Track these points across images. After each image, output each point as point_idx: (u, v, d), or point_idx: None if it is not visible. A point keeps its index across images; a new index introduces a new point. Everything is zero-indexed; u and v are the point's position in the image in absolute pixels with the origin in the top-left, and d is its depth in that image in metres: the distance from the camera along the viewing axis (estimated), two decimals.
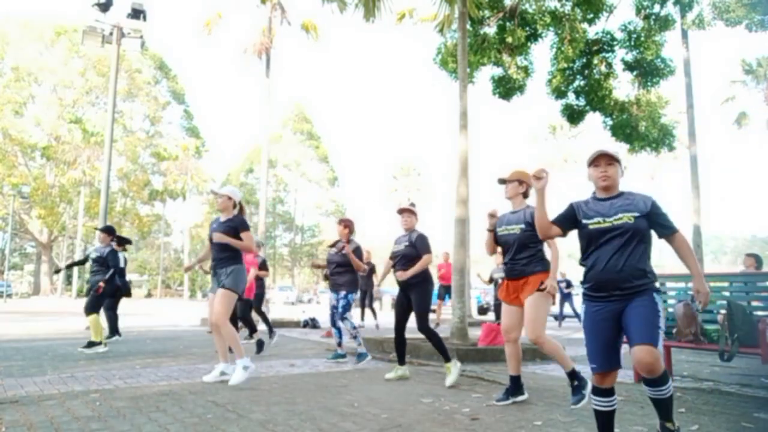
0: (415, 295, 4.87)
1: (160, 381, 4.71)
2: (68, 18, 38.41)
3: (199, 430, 3.06)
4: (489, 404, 3.90)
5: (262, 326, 8.75)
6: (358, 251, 6.20)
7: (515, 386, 3.96)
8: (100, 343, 6.78)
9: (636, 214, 2.60)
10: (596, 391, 2.61)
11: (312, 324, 12.34)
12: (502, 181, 4.02)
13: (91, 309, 6.83)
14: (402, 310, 5.00)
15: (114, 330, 7.92)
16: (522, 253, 3.85)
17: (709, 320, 4.59)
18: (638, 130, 12.92)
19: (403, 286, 4.92)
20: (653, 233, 2.66)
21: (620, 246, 2.55)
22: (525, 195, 4.00)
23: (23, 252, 50.52)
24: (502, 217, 4.04)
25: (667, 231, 2.64)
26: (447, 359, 4.78)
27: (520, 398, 3.95)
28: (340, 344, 6.36)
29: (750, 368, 6.00)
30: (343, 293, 6.16)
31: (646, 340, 2.42)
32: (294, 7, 17.20)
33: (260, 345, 7.07)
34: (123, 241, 7.79)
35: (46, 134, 38.06)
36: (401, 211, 5.11)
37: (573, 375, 3.76)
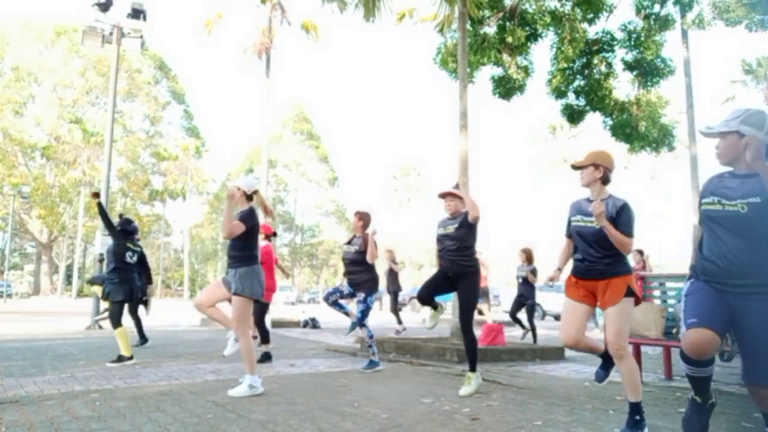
0: (464, 286, 4.46)
1: (160, 381, 4.71)
2: (68, 18, 38.50)
3: (199, 430, 3.06)
4: (489, 404, 3.90)
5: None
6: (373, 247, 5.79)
7: (608, 359, 3.39)
8: (131, 357, 5.88)
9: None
10: (690, 361, 2.37)
11: (312, 324, 12.35)
12: (577, 167, 3.44)
13: (118, 321, 5.99)
14: (434, 286, 4.59)
15: (142, 335, 7.71)
16: (603, 250, 3.20)
17: None
18: (638, 130, 12.91)
19: (453, 272, 4.48)
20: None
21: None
22: (604, 181, 3.33)
23: (23, 252, 50.56)
24: (576, 204, 3.42)
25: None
26: (473, 368, 4.40)
27: (614, 370, 3.40)
28: (348, 314, 5.90)
29: None
30: (362, 296, 5.62)
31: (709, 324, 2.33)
32: (294, 7, 17.20)
33: (266, 357, 6.32)
34: (126, 233, 6.49)
35: (46, 134, 38.08)
36: (443, 195, 4.72)
37: (637, 408, 3.12)
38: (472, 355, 4.44)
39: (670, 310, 4.80)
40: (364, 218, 5.84)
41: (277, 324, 12.15)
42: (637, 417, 3.09)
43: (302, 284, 55.10)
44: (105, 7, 11.79)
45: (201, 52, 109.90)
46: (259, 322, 6.99)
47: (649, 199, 45.33)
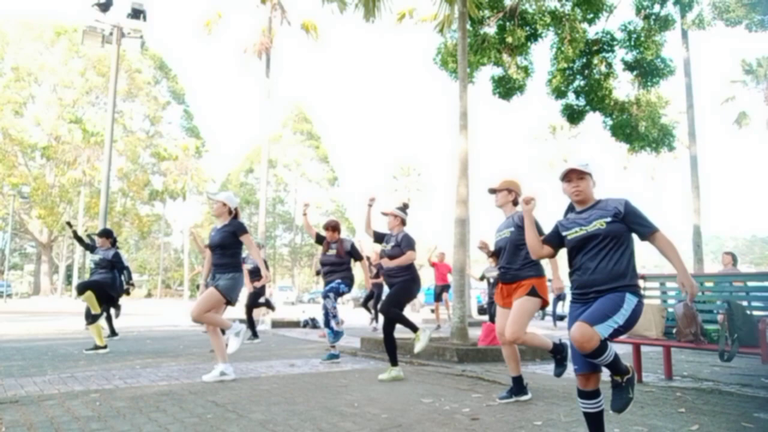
0: (396, 286, 5.05)
1: (160, 381, 4.71)
2: (68, 18, 38.48)
3: (199, 430, 3.06)
4: (489, 404, 3.90)
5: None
6: (353, 247, 6.33)
7: (518, 386, 4.02)
8: (105, 347, 6.84)
9: (608, 219, 2.73)
10: (581, 394, 2.66)
11: (312, 324, 12.35)
12: (492, 191, 4.15)
13: (92, 318, 6.90)
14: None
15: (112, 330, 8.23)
16: (515, 257, 3.93)
17: (709, 320, 4.60)
18: (638, 130, 12.92)
19: (389, 283, 5.11)
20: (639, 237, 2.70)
21: (597, 251, 2.66)
22: (515, 203, 4.11)
23: (23, 252, 50.54)
24: (498, 226, 4.18)
25: (646, 230, 2.68)
26: (394, 363, 5.00)
27: (523, 398, 4.00)
28: (333, 345, 6.34)
29: (750, 368, 6.01)
30: (337, 281, 6.16)
31: (583, 318, 2.49)
32: (294, 7, 17.24)
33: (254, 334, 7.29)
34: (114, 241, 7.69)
35: (46, 134, 38.02)
36: (385, 214, 5.36)
37: (555, 350, 4.02)
38: (389, 347, 5.01)
39: (670, 310, 4.80)
40: (335, 228, 6.38)
41: (277, 324, 12.15)
42: (558, 356, 4.02)
43: (302, 284, 55.07)
44: (105, 7, 11.80)
45: (201, 52, 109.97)
46: (248, 312, 8.41)
47: (649, 199, 45.35)
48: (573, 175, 2.79)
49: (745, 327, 4.07)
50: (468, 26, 9.23)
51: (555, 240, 2.89)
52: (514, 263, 3.92)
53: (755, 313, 4.27)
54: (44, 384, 4.45)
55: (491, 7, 11.80)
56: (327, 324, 6.23)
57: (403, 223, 5.34)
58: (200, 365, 5.77)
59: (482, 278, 10.46)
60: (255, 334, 8.82)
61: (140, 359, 6.20)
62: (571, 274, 2.79)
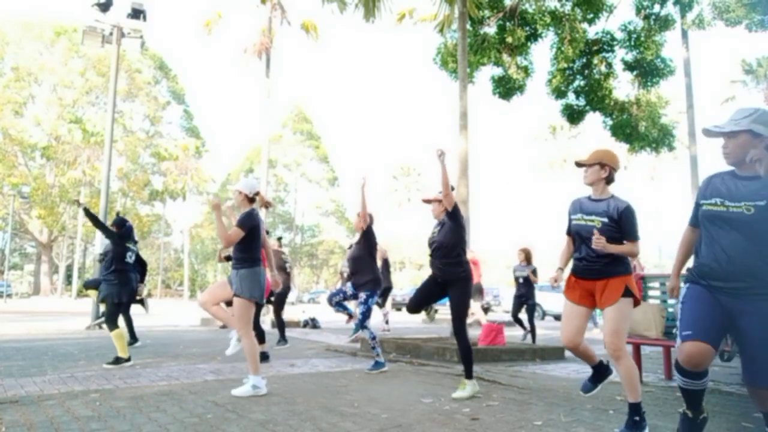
0: (454, 293, 4.32)
1: (160, 381, 4.71)
2: (68, 18, 38.44)
3: (199, 430, 3.06)
4: (489, 404, 3.90)
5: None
6: (371, 231, 5.61)
7: (599, 371, 3.44)
8: (128, 359, 5.74)
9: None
10: (684, 372, 2.39)
11: (312, 324, 12.34)
12: (580, 165, 3.39)
13: (115, 323, 5.87)
14: (423, 292, 4.51)
15: (133, 335, 7.74)
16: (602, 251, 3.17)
17: None
18: (638, 130, 12.91)
19: (443, 278, 4.38)
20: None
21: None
22: (609, 180, 3.30)
23: (23, 252, 50.52)
24: (577, 202, 3.37)
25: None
26: (469, 375, 4.26)
27: (610, 378, 3.48)
28: (351, 316, 5.90)
29: None
30: (363, 297, 5.48)
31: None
32: (294, 7, 17.25)
33: (264, 357, 6.07)
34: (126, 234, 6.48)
35: (46, 134, 38.03)
36: (427, 201, 4.67)
37: (637, 409, 3.11)
38: (466, 360, 4.29)
39: (670, 310, 4.80)
40: (365, 216, 5.71)
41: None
42: (637, 417, 3.07)
43: (302, 284, 55.07)
44: (105, 7, 11.79)
45: (201, 52, 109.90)
46: (255, 321, 6.94)
47: (649, 199, 45.35)
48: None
49: None
50: (468, 26, 9.23)
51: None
52: (604, 255, 3.15)
53: None
54: (44, 384, 4.45)
55: (491, 7, 11.80)
56: (330, 301, 5.71)
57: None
58: (200, 365, 5.77)
59: (517, 279, 9.73)
60: (284, 339, 8.07)
61: (140, 359, 6.19)
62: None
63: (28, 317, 15.49)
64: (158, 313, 18.96)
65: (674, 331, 4.62)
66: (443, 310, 16.68)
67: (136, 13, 12.11)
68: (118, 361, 5.64)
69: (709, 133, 2.39)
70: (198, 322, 13.47)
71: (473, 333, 7.62)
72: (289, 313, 17.68)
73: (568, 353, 6.91)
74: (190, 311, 20.65)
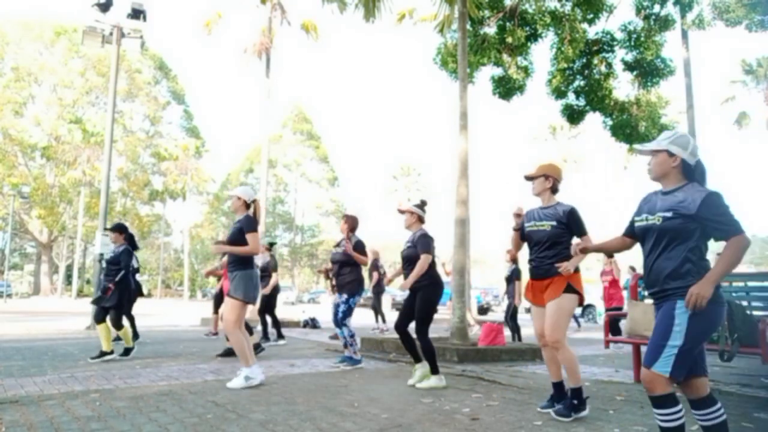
0: (418, 299, 4.67)
1: (160, 381, 4.71)
2: (68, 18, 38.45)
3: (199, 430, 3.06)
4: (489, 404, 3.90)
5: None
6: (359, 245, 5.89)
7: (558, 393, 3.68)
8: (133, 348, 6.54)
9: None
10: (692, 404, 2.41)
11: (312, 324, 12.34)
12: (529, 178, 3.79)
13: (118, 322, 6.38)
14: (406, 310, 4.81)
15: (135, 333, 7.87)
16: (549, 251, 3.63)
17: None
18: (638, 130, 12.90)
19: (412, 287, 4.73)
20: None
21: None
22: (553, 190, 3.76)
23: (23, 252, 50.51)
24: (530, 212, 3.83)
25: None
26: (434, 371, 4.64)
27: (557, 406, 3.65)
28: (346, 346, 6.09)
29: (750, 368, 6.00)
30: (345, 297, 5.82)
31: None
32: (294, 7, 17.22)
33: (228, 353, 6.48)
34: (133, 241, 6.97)
35: (46, 134, 38.03)
36: (401, 212, 5.04)
37: (577, 393, 3.49)
38: (428, 359, 4.66)
39: None
40: (349, 221, 6.04)
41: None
42: (576, 401, 3.48)
43: (302, 284, 55.07)
44: (105, 7, 11.78)
45: (201, 52, 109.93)
46: (262, 314, 8.22)
47: None
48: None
49: (745, 327, 4.07)
50: (468, 26, 9.23)
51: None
52: (548, 257, 3.61)
53: (755, 313, 4.27)
54: (44, 384, 4.45)
55: (491, 7, 11.79)
56: (337, 324, 5.93)
57: (421, 220, 4.97)
58: (200, 365, 5.77)
59: (508, 279, 9.75)
60: (280, 335, 8.52)
61: (140, 359, 6.20)
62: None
63: (28, 317, 15.49)
64: (158, 313, 18.96)
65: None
66: (443, 310, 16.68)
67: (136, 13, 12.10)
68: (127, 352, 6.36)
69: (638, 152, 2.65)
70: (198, 322, 13.46)
71: (473, 333, 7.63)
72: (289, 313, 17.70)
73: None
74: (190, 311, 20.66)
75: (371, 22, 8.97)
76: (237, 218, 4.80)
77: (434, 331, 10.69)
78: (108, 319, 6.28)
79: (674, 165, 2.40)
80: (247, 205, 4.80)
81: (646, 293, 2.55)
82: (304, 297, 43.89)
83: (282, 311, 20.00)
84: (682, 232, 2.30)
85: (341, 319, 5.83)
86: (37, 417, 3.31)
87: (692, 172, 2.41)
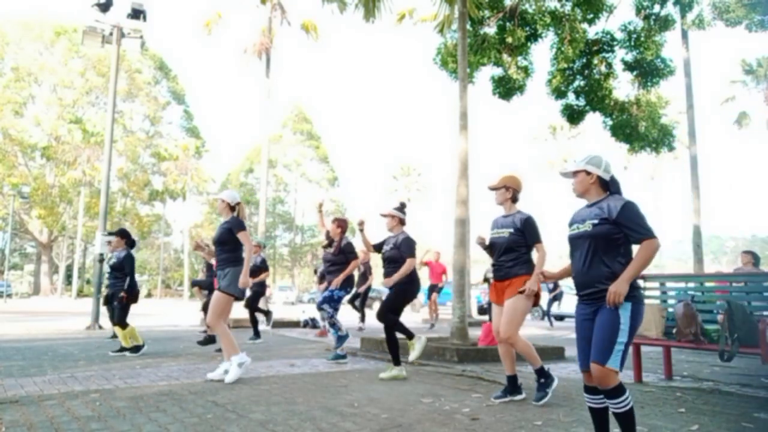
0: (394, 289, 5.03)
1: (160, 381, 4.71)
2: (68, 18, 38.45)
3: (199, 430, 3.06)
4: (489, 404, 3.91)
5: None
6: (349, 246, 6.28)
7: (512, 385, 4.05)
8: (143, 345, 6.79)
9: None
10: (585, 389, 2.73)
11: (312, 324, 12.34)
12: (492, 188, 4.18)
13: (122, 322, 6.71)
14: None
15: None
16: (508, 255, 4.02)
17: (709, 320, 4.60)
18: (638, 130, 12.91)
19: (390, 284, 5.09)
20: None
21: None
22: (514, 200, 4.13)
23: (23, 252, 50.52)
24: (495, 220, 4.21)
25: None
26: (396, 363, 5.02)
27: (518, 397, 4.04)
28: (333, 326, 6.31)
29: (750, 368, 6.01)
30: (331, 287, 6.17)
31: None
32: (294, 7, 17.23)
33: (208, 341, 7.48)
34: (131, 243, 7.21)
35: (46, 134, 38.01)
36: (383, 216, 5.28)
37: (540, 372, 3.93)
38: (389, 348, 5.08)
39: (670, 310, 4.81)
40: (342, 225, 6.37)
41: (277, 324, 12.13)
42: (542, 379, 3.92)
43: (302, 284, 55.06)
44: (105, 7, 11.78)
45: (201, 52, 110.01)
46: (251, 311, 8.76)
47: (649, 199, 45.35)
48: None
49: (745, 327, 4.07)
50: (468, 26, 9.23)
51: None
52: (507, 260, 4.01)
53: (755, 313, 4.27)
54: (44, 384, 4.45)
55: (491, 7, 11.79)
56: (333, 326, 6.23)
57: (402, 223, 5.25)
58: (200, 365, 5.77)
59: (485, 280, 10.41)
60: (257, 334, 8.80)
61: (140, 359, 6.20)
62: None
63: (28, 317, 15.49)
64: (158, 313, 18.96)
65: (673, 331, 4.63)
66: (443, 310, 16.69)
67: (136, 13, 12.10)
68: (131, 349, 6.61)
69: (562, 174, 2.96)
70: (198, 322, 13.46)
71: (473, 333, 7.62)
72: (289, 313, 17.69)
73: (567, 353, 6.92)
74: (190, 311, 20.65)
75: (371, 22, 8.96)
76: (224, 219, 5.06)
77: (435, 331, 10.74)
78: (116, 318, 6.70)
79: (591, 182, 2.78)
80: (232, 208, 5.03)
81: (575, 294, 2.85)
82: (304, 297, 43.87)
83: (282, 311, 20.02)
84: (611, 237, 2.61)
85: (320, 302, 6.21)
86: (37, 417, 3.31)
87: (608, 186, 2.78)
